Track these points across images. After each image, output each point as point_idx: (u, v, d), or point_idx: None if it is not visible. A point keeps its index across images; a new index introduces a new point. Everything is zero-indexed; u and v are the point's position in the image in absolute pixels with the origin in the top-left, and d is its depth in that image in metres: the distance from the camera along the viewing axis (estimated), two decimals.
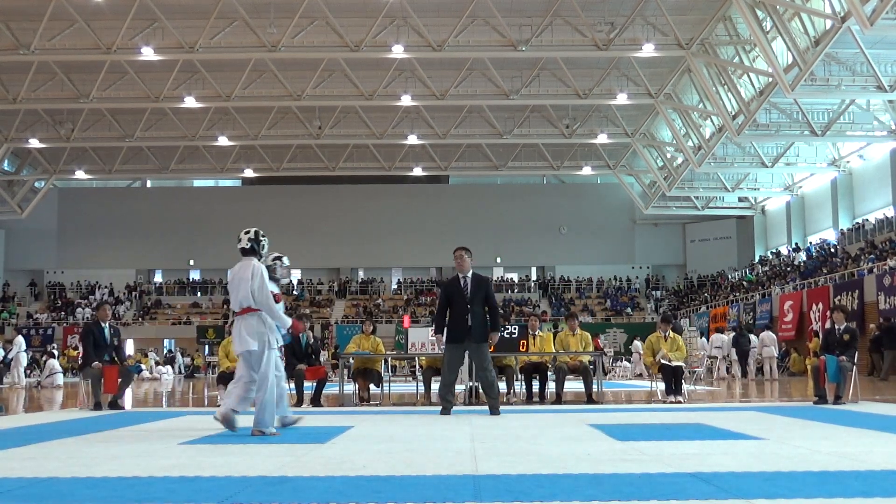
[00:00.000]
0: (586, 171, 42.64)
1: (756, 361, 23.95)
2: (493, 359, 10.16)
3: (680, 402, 11.83)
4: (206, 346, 40.81)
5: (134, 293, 48.08)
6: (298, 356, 12.11)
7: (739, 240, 46.69)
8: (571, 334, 12.81)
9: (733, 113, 31.05)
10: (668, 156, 40.27)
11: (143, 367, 31.57)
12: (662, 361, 12.22)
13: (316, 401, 11.94)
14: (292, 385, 12.80)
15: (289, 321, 7.45)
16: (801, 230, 40.43)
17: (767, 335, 23.79)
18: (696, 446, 6.11)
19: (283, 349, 9.54)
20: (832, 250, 33.26)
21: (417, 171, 42.88)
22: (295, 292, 47.24)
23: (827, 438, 6.53)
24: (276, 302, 7.41)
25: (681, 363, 12.40)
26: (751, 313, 33.49)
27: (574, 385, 15.03)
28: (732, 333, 25.36)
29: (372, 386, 12.93)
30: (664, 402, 12.12)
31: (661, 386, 12.69)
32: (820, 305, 27.00)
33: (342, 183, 46.94)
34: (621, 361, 29.98)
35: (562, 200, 48.32)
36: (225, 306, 47.17)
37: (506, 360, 12.56)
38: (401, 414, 10.03)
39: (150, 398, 16.37)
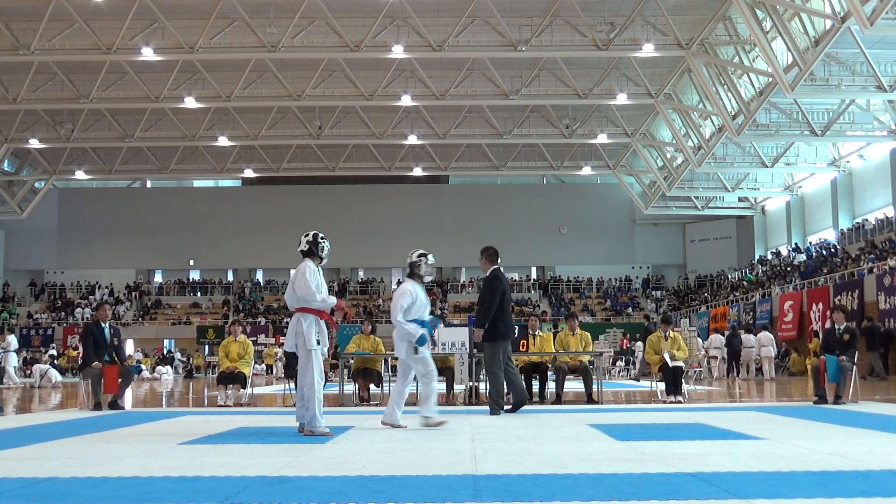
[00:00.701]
0: (586, 171, 42.64)
1: (755, 361, 23.97)
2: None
3: (680, 402, 11.84)
4: (206, 347, 40.81)
5: (134, 293, 48.08)
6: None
7: (739, 240, 46.69)
8: (571, 334, 12.82)
9: (733, 113, 31.05)
10: (668, 156, 40.27)
11: (143, 367, 31.58)
12: (666, 359, 12.23)
13: None
14: (292, 385, 12.82)
15: (332, 301, 7.47)
16: (801, 230, 40.43)
17: (766, 335, 23.81)
18: (696, 446, 6.11)
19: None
20: (832, 250, 33.26)
21: (417, 171, 42.88)
22: None
23: (827, 438, 6.53)
24: (338, 309, 7.50)
25: (680, 363, 12.41)
26: (751, 313, 33.49)
27: (574, 385, 15.03)
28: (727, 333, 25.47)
29: (372, 386, 12.93)
30: (664, 402, 12.12)
31: (661, 386, 12.69)
32: (820, 305, 26.99)
33: (342, 183, 46.94)
34: (620, 361, 30.01)
35: (562, 200, 48.33)
36: (225, 307, 47.28)
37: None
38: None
39: (149, 398, 16.37)
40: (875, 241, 30.17)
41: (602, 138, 38.37)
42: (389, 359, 13.14)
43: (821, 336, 16.00)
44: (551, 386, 13.10)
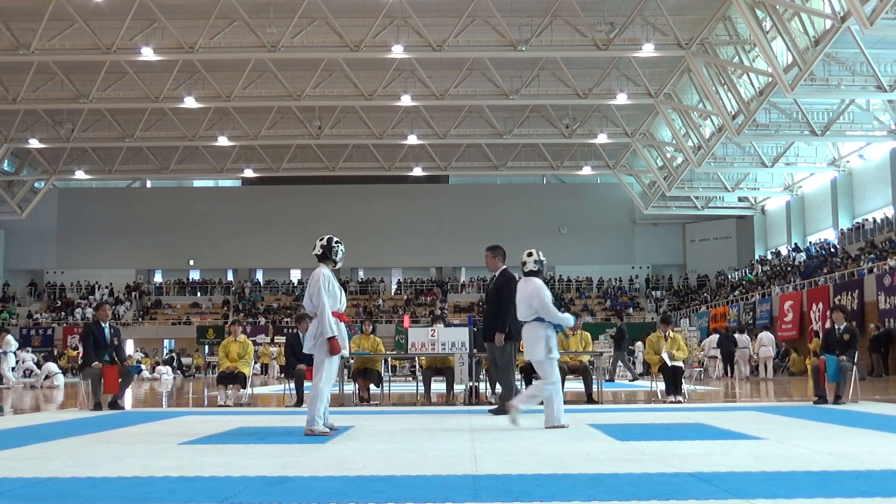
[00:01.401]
0: (586, 171, 42.63)
1: (752, 361, 24.00)
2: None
3: (680, 402, 11.84)
4: (206, 347, 40.80)
5: (134, 293, 48.08)
6: (298, 356, 12.09)
7: (739, 240, 46.69)
8: (571, 334, 12.82)
9: (733, 113, 31.05)
10: (668, 156, 40.26)
11: (143, 367, 31.57)
12: (665, 359, 12.23)
13: None
14: (292, 385, 12.82)
15: (326, 327, 7.17)
16: (800, 230, 40.43)
17: (765, 335, 23.83)
18: (696, 446, 6.11)
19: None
20: (832, 250, 33.26)
21: (417, 171, 42.86)
22: (295, 292, 47.24)
23: (827, 438, 6.53)
24: (343, 321, 7.47)
25: (680, 363, 12.40)
26: (751, 313, 33.49)
27: (574, 385, 15.03)
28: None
29: (372, 386, 12.92)
30: (664, 402, 12.12)
31: (661, 386, 12.69)
32: (820, 305, 26.99)
33: (342, 183, 46.91)
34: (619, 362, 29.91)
35: (562, 200, 48.31)
36: (224, 307, 47.28)
37: None
38: (401, 414, 10.03)
39: (149, 398, 16.37)
40: (875, 240, 30.17)
41: (602, 138, 38.36)
42: (389, 359, 13.13)
43: (821, 336, 16.02)
44: None
